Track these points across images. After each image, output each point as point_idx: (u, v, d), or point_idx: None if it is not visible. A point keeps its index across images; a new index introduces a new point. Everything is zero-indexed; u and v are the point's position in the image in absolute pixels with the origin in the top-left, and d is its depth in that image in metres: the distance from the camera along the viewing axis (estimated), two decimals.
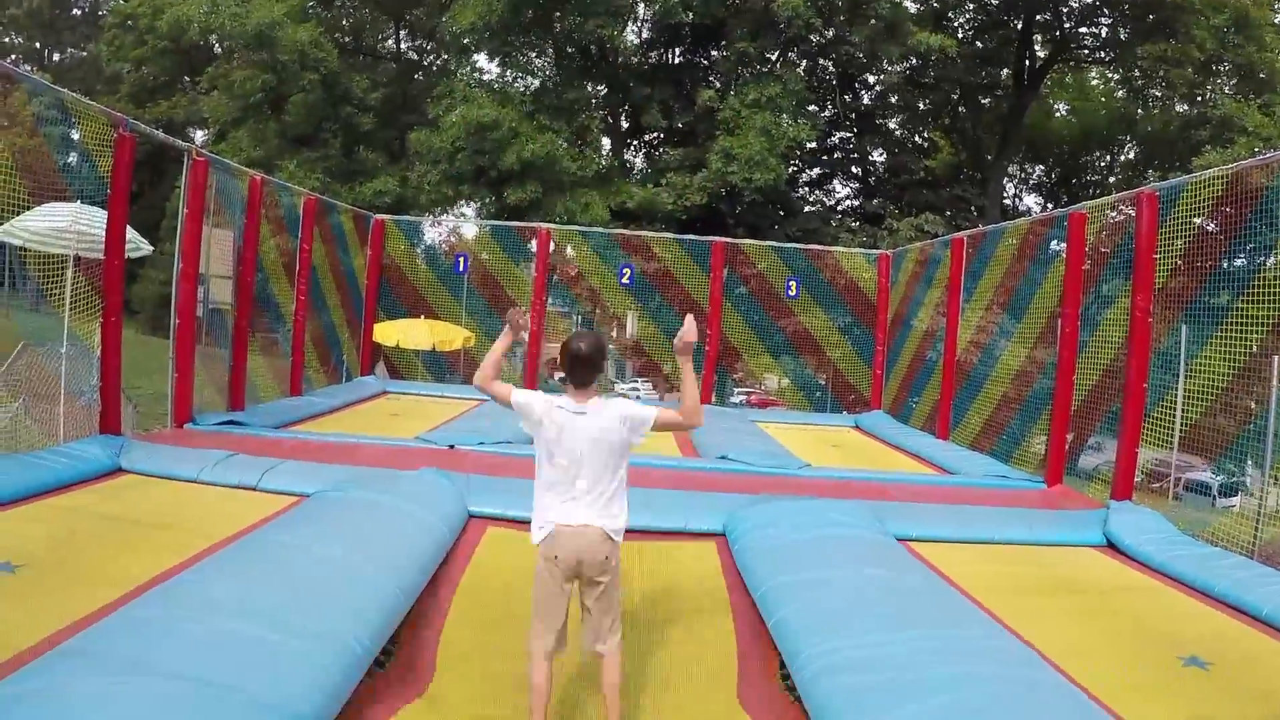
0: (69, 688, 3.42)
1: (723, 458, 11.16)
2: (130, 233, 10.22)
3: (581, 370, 4.44)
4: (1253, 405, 11.81)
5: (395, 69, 38.34)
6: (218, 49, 38.98)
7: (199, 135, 44.01)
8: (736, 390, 28.75)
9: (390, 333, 18.03)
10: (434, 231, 24.10)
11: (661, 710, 4.54)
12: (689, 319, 4.55)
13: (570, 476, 4.33)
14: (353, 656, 4.23)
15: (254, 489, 7.88)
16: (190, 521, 6.64)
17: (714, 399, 18.17)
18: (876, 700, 4.05)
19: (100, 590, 4.99)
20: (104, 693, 3.40)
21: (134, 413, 12.54)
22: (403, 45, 40.68)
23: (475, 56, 35.46)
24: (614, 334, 26.27)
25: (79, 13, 56.57)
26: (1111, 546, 8.37)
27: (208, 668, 3.66)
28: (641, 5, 32.21)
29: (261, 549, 5.37)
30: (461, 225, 27.72)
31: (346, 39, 37.79)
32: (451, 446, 10.63)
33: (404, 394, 16.60)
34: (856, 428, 16.62)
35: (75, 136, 9.66)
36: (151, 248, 14.26)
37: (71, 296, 9.65)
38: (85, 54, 54.52)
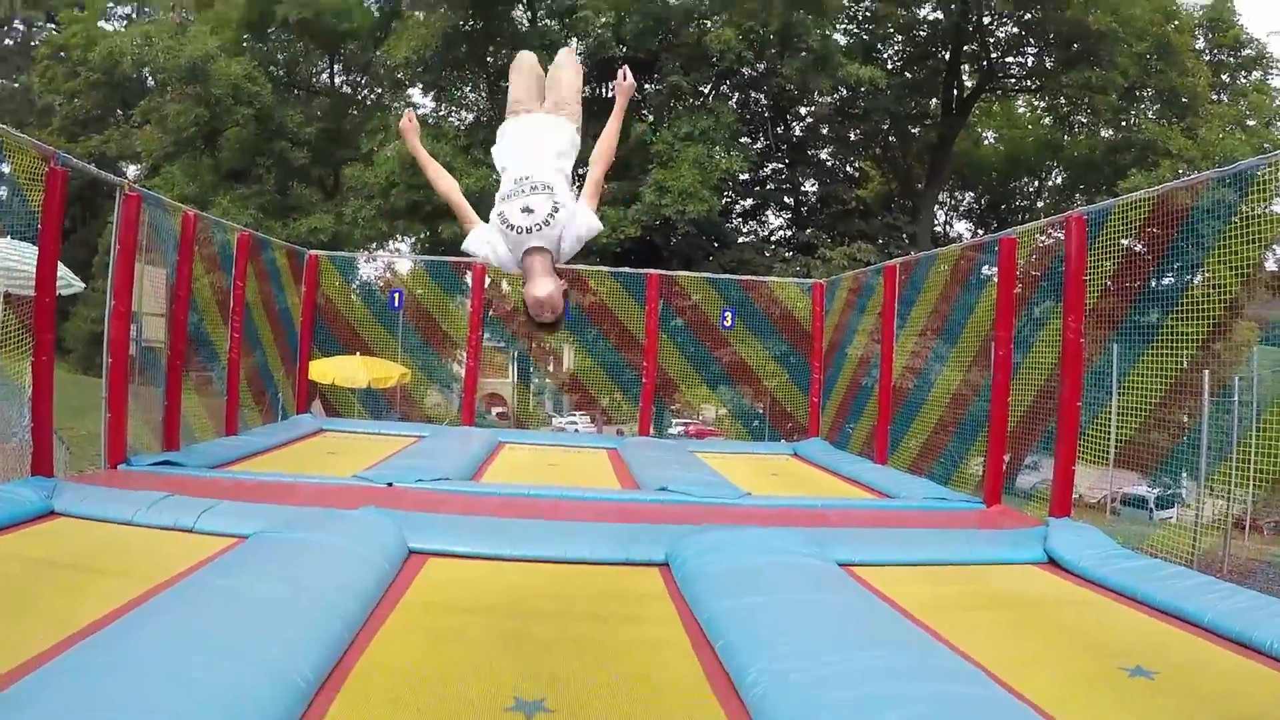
0: None
1: (663, 489, 11.17)
2: (62, 269, 10.13)
3: None
4: (1185, 419, 12.06)
5: (329, 103, 38.20)
6: (151, 82, 38.67)
7: (131, 170, 43.52)
8: (674, 421, 28.83)
9: (326, 370, 17.94)
10: (369, 267, 24.01)
11: None
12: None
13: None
14: (296, 690, 4.22)
15: (191, 530, 7.79)
16: (127, 565, 6.55)
17: (652, 430, 18.21)
18: (826, 718, 4.09)
19: (35, 637, 4.89)
20: None
21: (66, 454, 12.40)
22: (337, 79, 40.57)
23: (410, 91, 35.53)
24: (550, 369, 26.28)
25: (11, 44, 55.81)
26: (1052, 562, 8.49)
27: (150, 711, 3.63)
28: (575, 39, 32.37)
29: (202, 591, 5.33)
30: (396, 261, 27.65)
31: (280, 73, 37.60)
32: (389, 484, 10.59)
33: (341, 432, 16.47)
34: (795, 455, 16.70)
35: (5, 170, 9.54)
36: (83, 285, 14.14)
37: (1, 335, 9.51)
38: (16, 85, 53.81)
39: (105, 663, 4.04)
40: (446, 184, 5.40)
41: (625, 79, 5.41)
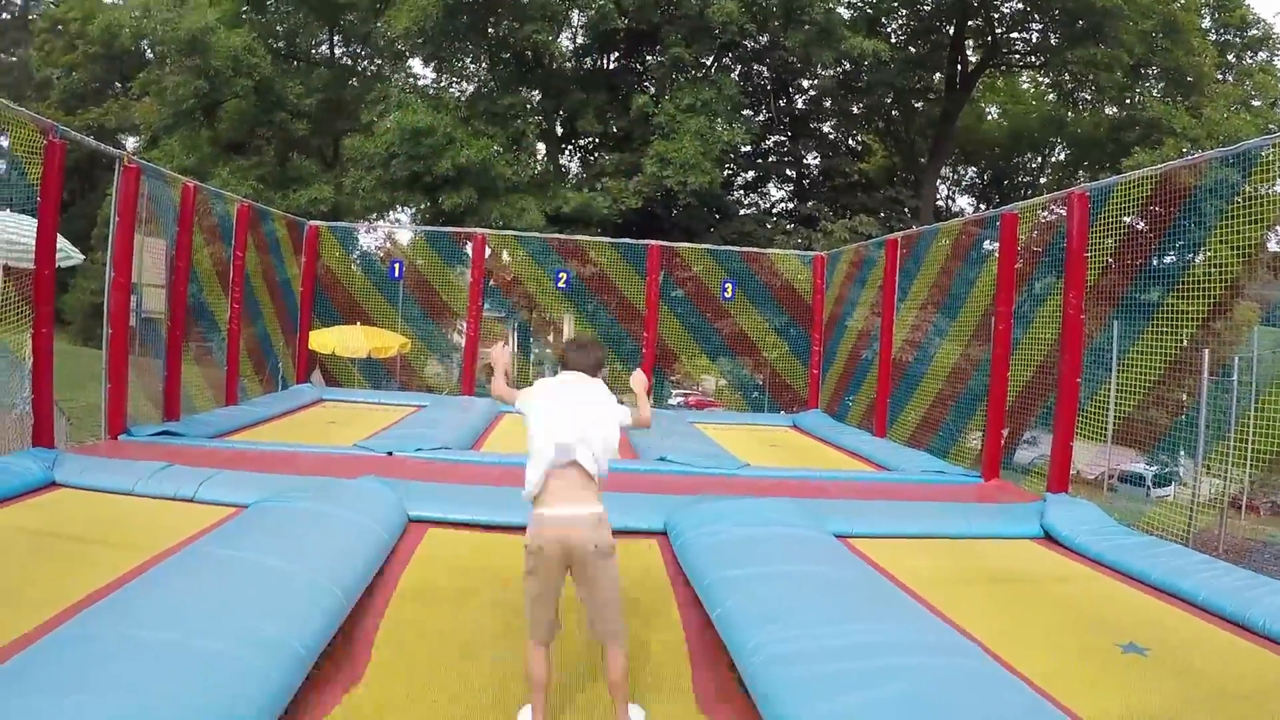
0: (6, 710, 3.38)
1: (662, 459, 11.21)
2: (61, 241, 10.13)
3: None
4: (1184, 397, 12.08)
5: (329, 75, 38.00)
6: (150, 54, 38.47)
7: (131, 142, 43.43)
8: (674, 392, 28.83)
9: (326, 340, 17.94)
10: (369, 238, 23.95)
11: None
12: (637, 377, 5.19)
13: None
14: (295, 659, 4.24)
15: (191, 500, 7.82)
16: (128, 535, 6.59)
17: (652, 401, 18.18)
18: (819, 689, 4.12)
19: (36, 609, 4.93)
20: (42, 713, 3.37)
21: (67, 425, 12.42)
22: (337, 51, 40.36)
23: (410, 62, 35.38)
24: (550, 339, 26.24)
25: (8, 17, 55.61)
26: (1049, 538, 8.55)
27: (150, 683, 3.65)
28: (576, 11, 32.21)
29: (202, 561, 5.34)
30: (396, 231, 27.63)
31: (280, 44, 37.39)
32: (389, 453, 10.63)
33: (341, 401, 16.51)
34: (794, 427, 16.76)
35: (4, 143, 9.53)
36: (83, 257, 14.14)
37: (1, 307, 9.51)
38: (15, 59, 53.60)
39: (106, 634, 4.06)
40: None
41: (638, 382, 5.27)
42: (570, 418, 4.52)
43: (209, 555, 5.48)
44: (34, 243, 9.23)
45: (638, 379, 5.22)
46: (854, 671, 4.25)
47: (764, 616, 5.04)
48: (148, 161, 12.47)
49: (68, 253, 12.30)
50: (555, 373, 4.94)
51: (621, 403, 4.79)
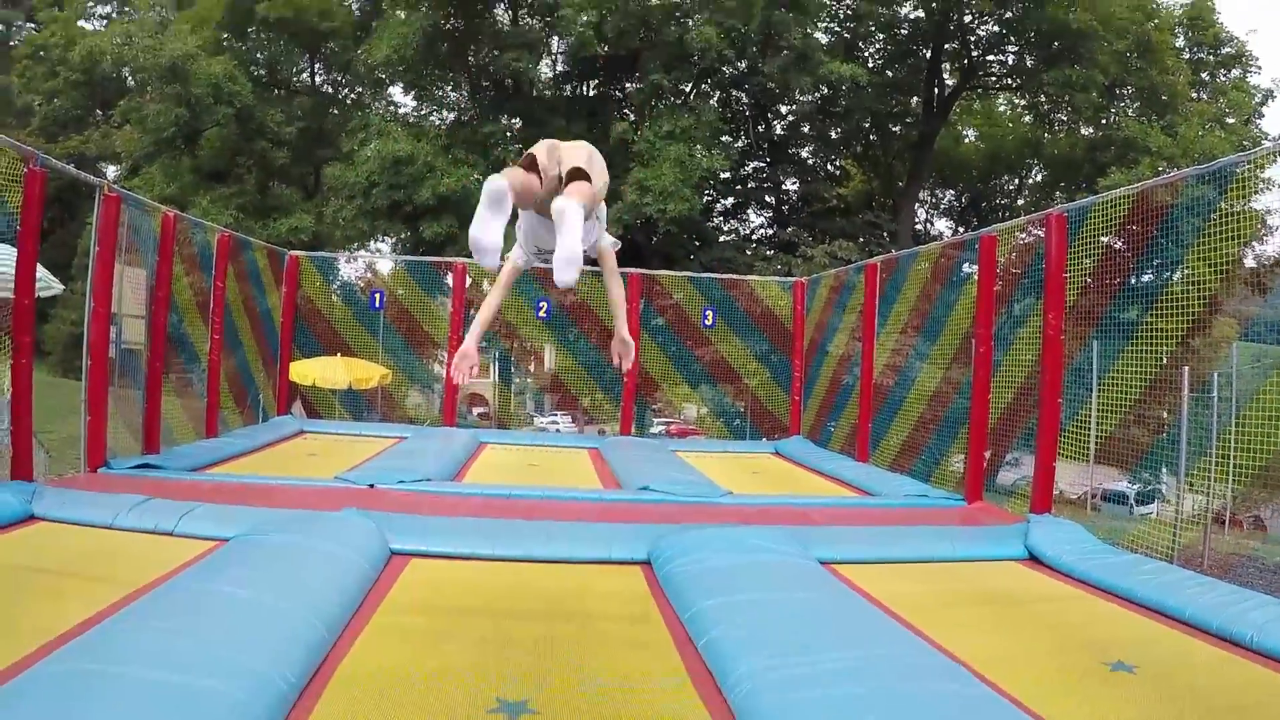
0: None
1: (644, 488, 11.17)
2: (40, 271, 10.05)
3: None
4: (1165, 415, 12.13)
5: (310, 103, 38.06)
6: (131, 82, 38.46)
7: (111, 170, 43.32)
8: (656, 420, 28.85)
9: (307, 371, 17.88)
10: (349, 268, 23.94)
11: None
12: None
13: None
14: (278, 693, 4.20)
15: (172, 534, 7.75)
16: (107, 569, 6.52)
17: (633, 430, 18.23)
18: (809, 717, 4.11)
19: (14, 644, 4.85)
20: None
21: (46, 457, 12.31)
22: (318, 79, 40.43)
23: (390, 90, 35.46)
24: (531, 369, 26.24)
25: None
26: (1033, 559, 8.54)
27: (132, 719, 3.61)
28: (556, 38, 32.35)
29: (183, 596, 5.31)
30: (377, 261, 27.62)
31: (261, 72, 37.44)
32: (371, 485, 10.58)
33: (322, 433, 16.43)
34: (776, 454, 16.74)
35: None
36: (62, 286, 14.07)
37: None
38: None
39: (86, 670, 4.02)
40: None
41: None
42: None
43: (190, 590, 5.44)
44: (13, 272, 9.18)
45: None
46: (842, 698, 4.24)
47: (751, 644, 5.03)
48: (128, 190, 12.42)
49: (47, 282, 12.23)
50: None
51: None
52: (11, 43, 51.33)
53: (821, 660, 4.69)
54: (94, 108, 45.24)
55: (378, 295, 19.24)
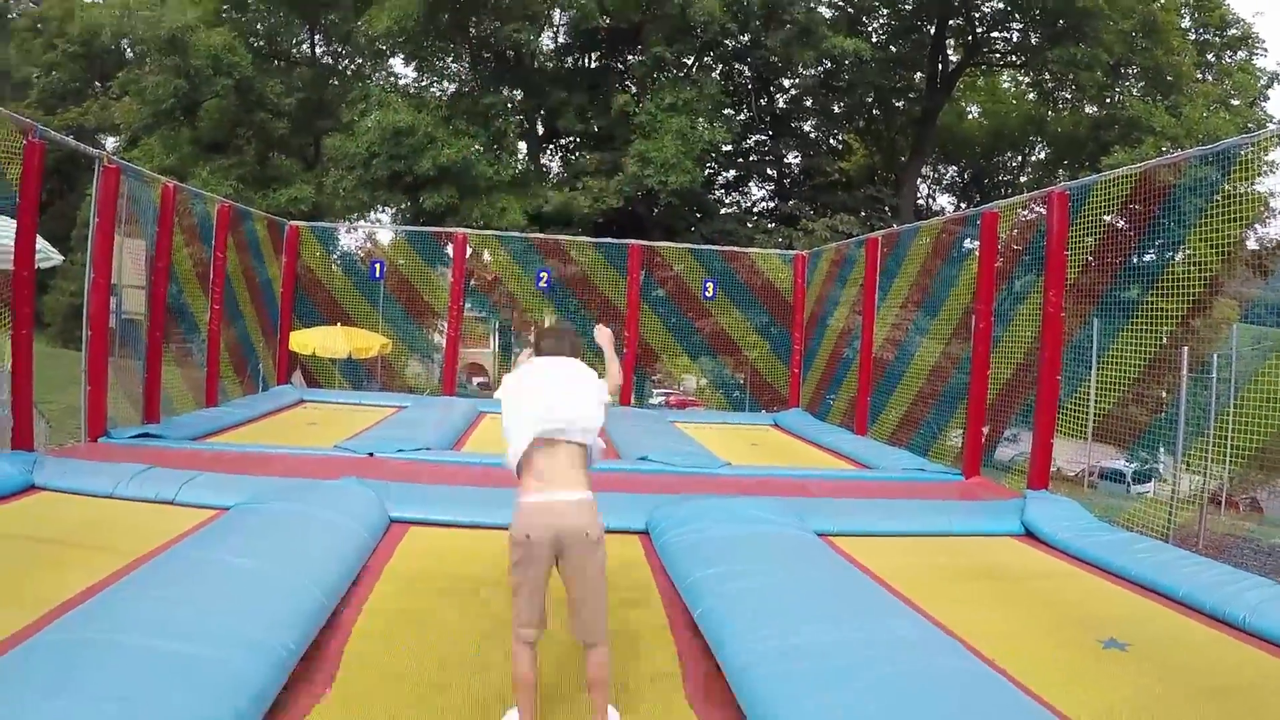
0: None
1: (643, 459, 11.21)
2: (40, 242, 10.04)
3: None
4: (1163, 395, 12.15)
5: (310, 74, 37.82)
6: (130, 54, 38.24)
7: (110, 142, 43.06)
8: (655, 391, 28.88)
9: (306, 341, 17.89)
10: (349, 238, 23.93)
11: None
12: (600, 331, 5.30)
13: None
14: (278, 660, 4.24)
15: (172, 503, 7.80)
16: (108, 538, 6.56)
17: (633, 400, 18.26)
18: (803, 687, 4.13)
19: (17, 613, 4.90)
20: (25, 717, 3.36)
21: (46, 427, 12.33)
22: (318, 50, 40.19)
23: (391, 61, 35.27)
24: (531, 338, 26.24)
25: None
26: (1029, 535, 8.61)
27: (133, 687, 3.64)
28: (558, 10, 32.18)
29: (183, 564, 5.33)
30: (377, 231, 27.56)
31: (260, 43, 37.18)
32: (370, 454, 10.61)
33: (321, 402, 16.48)
34: (775, 426, 16.79)
35: None
36: (62, 258, 14.04)
37: None
38: None
39: (88, 638, 4.05)
40: None
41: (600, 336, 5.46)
42: (558, 394, 4.49)
43: (191, 558, 5.47)
44: (12, 243, 9.18)
45: (601, 334, 5.40)
46: (837, 669, 4.27)
47: (747, 615, 5.06)
48: (127, 161, 12.41)
49: (47, 254, 12.20)
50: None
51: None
52: (10, 15, 51.03)
53: (817, 632, 4.73)
54: (93, 80, 44.95)
55: (378, 265, 19.24)
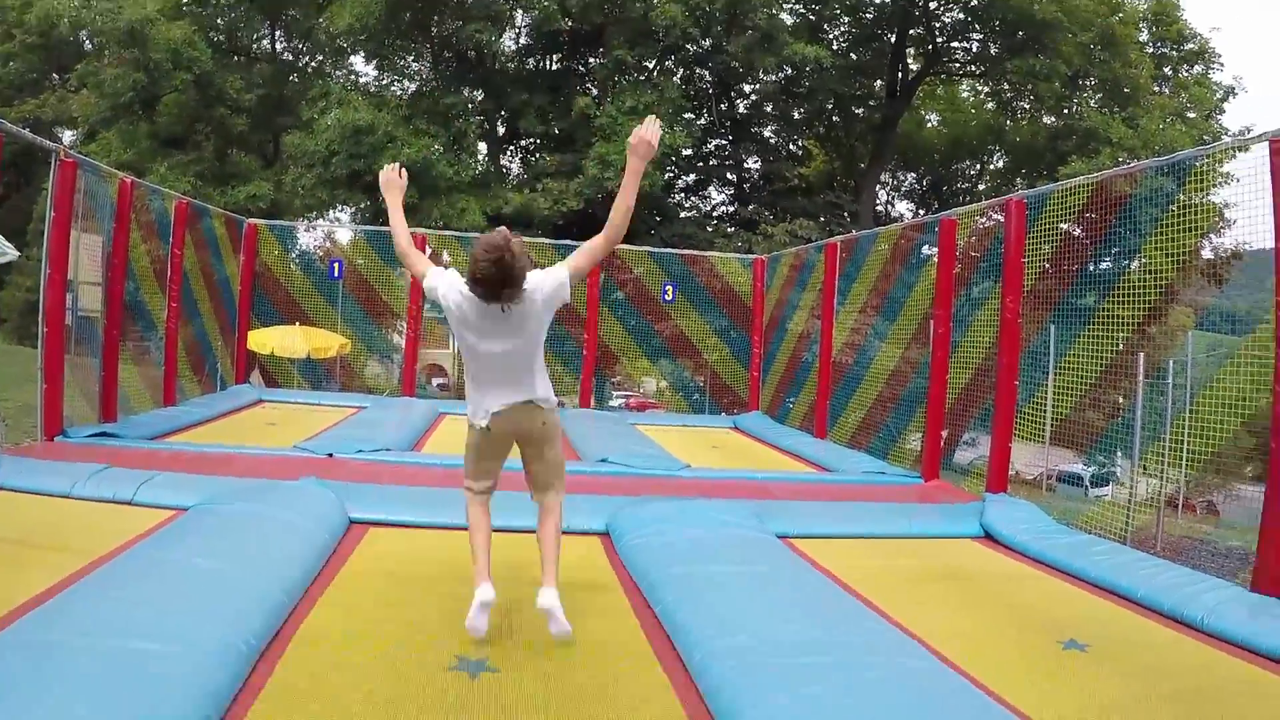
0: None
1: (603, 461, 11.21)
2: None
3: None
4: (1120, 400, 12.30)
5: (270, 70, 37.61)
6: (88, 45, 37.84)
7: (67, 135, 42.62)
8: (615, 394, 28.87)
9: (265, 340, 17.80)
10: (308, 237, 23.83)
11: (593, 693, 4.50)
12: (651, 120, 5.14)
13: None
14: (238, 655, 4.22)
15: (130, 503, 7.71)
16: (65, 539, 6.46)
17: (592, 403, 18.26)
18: (765, 684, 4.16)
19: None
20: None
21: (2, 426, 12.21)
22: (278, 46, 39.96)
23: (351, 59, 35.14)
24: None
25: None
26: (989, 537, 8.67)
27: (93, 689, 3.61)
28: (520, 11, 32.17)
29: (142, 565, 5.29)
30: (336, 230, 27.42)
31: (221, 38, 36.95)
32: (330, 455, 10.55)
33: (280, 402, 16.36)
34: (735, 428, 16.84)
35: None
36: (18, 253, 13.89)
37: None
38: None
39: (45, 639, 4.02)
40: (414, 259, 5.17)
41: (644, 135, 5.22)
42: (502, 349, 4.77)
43: (149, 558, 5.43)
44: None
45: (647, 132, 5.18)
46: (798, 668, 4.31)
47: (708, 613, 5.10)
48: (85, 155, 12.27)
49: (2, 248, 12.10)
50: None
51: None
52: None
53: (779, 631, 4.77)
54: (50, 71, 44.38)
55: (337, 265, 19.17)
